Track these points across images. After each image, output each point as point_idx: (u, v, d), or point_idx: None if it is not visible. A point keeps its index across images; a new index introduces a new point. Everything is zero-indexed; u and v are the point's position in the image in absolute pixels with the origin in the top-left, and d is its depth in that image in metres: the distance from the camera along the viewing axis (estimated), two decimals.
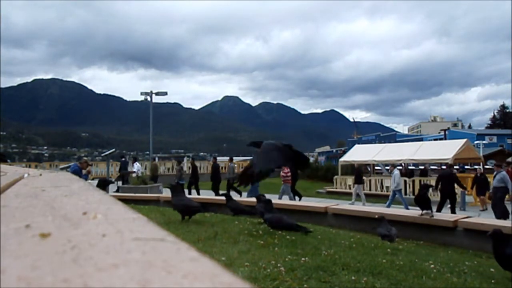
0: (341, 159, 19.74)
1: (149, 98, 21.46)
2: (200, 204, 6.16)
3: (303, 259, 3.61)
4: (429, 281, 3.43)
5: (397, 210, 8.29)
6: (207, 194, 13.46)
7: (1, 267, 0.40)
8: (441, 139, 37.69)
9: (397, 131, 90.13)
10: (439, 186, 10.80)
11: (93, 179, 16.05)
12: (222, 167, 17.97)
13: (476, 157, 18.54)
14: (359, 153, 19.40)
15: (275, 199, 7.58)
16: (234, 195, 9.07)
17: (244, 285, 0.39)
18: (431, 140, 38.66)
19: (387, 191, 15.89)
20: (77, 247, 0.46)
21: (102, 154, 21.71)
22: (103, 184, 8.87)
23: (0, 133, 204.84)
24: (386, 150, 18.47)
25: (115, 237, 0.51)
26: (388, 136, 57.67)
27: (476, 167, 18.86)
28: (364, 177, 18.37)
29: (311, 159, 50.85)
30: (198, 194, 14.39)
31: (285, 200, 11.06)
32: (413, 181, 16.19)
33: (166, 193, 11.12)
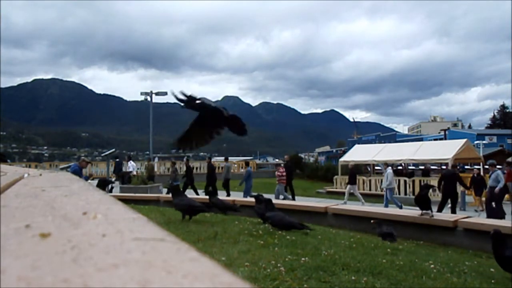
0: (341, 159, 19.74)
1: (149, 98, 21.48)
2: (202, 204, 6.18)
3: (303, 259, 3.61)
4: (429, 281, 3.43)
5: (397, 210, 8.29)
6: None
7: (1, 267, 0.39)
8: (441, 139, 37.69)
9: (397, 131, 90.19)
10: (441, 186, 10.82)
11: (93, 179, 16.05)
12: (222, 167, 17.94)
13: (476, 157, 18.53)
14: (359, 153, 19.39)
15: (274, 200, 7.59)
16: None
17: (244, 285, 0.39)
18: (431, 140, 38.66)
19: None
20: (77, 247, 0.46)
21: (102, 154, 21.73)
22: (102, 184, 8.88)
23: (0, 133, 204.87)
24: (386, 150, 18.47)
25: (115, 237, 0.51)
26: (388, 136, 57.72)
27: (476, 167, 18.86)
28: (364, 178, 18.41)
29: (311, 159, 50.83)
30: (197, 194, 14.38)
31: (285, 200, 11.06)
32: (413, 181, 16.19)
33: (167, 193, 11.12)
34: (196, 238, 4.56)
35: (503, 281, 3.92)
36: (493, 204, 10.65)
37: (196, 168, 23.64)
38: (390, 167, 13.23)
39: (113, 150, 17.88)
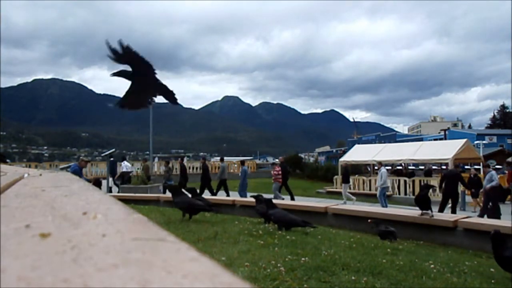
0: (341, 159, 19.73)
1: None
2: (203, 203, 6.19)
3: (303, 259, 3.61)
4: (429, 281, 3.43)
5: (397, 210, 8.28)
6: (206, 194, 13.46)
7: (1, 267, 0.39)
8: (441, 139, 37.71)
9: (397, 131, 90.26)
10: (442, 186, 10.83)
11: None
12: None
13: (476, 157, 18.53)
14: (359, 153, 19.39)
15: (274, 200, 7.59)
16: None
17: (244, 285, 0.39)
18: (431, 140, 38.69)
19: (387, 192, 15.89)
20: (77, 247, 0.46)
21: (102, 154, 21.70)
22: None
23: (0, 133, 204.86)
24: (386, 150, 18.47)
25: (115, 237, 0.51)
26: (388, 136, 57.78)
27: (475, 167, 18.87)
28: (364, 178, 18.41)
29: (311, 159, 50.83)
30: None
31: (285, 200, 11.06)
32: (413, 181, 16.19)
33: (166, 192, 11.12)
34: (196, 238, 4.57)
35: (503, 281, 3.92)
36: (490, 204, 10.71)
37: (196, 168, 23.64)
38: (384, 167, 13.25)
39: (113, 150, 17.83)
